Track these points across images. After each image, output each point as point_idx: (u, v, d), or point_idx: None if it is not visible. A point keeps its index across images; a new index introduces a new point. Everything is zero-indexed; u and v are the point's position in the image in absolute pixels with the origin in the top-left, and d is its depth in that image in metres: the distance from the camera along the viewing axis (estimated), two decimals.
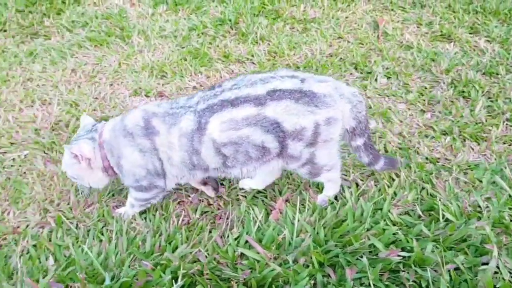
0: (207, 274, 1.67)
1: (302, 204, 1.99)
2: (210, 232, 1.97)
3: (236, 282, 1.61)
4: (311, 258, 1.66)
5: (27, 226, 2.12)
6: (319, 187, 2.17)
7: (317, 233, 1.80)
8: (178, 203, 2.18)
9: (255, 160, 1.86)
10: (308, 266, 1.65)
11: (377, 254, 1.67)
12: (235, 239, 1.86)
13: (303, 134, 1.77)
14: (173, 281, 1.62)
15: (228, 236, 1.94)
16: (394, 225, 1.84)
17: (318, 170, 1.93)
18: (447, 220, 1.82)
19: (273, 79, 1.77)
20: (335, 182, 2.06)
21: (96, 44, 3.42)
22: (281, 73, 1.83)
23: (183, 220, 2.09)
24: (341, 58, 3.17)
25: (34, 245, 2.00)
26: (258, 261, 1.71)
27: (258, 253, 1.75)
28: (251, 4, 3.82)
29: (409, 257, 1.64)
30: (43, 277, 1.77)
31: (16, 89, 2.96)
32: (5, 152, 2.49)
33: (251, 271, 1.64)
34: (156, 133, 1.83)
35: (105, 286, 1.64)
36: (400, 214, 1.92)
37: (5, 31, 3.59)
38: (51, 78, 3.05)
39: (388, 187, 2.10)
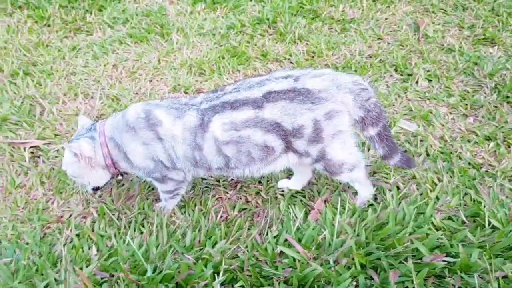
0: (248, 270, 1.68)
1: (342, 206, 1.98)
2: (249, 229, 1.98)
3: (277, 280, 1.61)
4: (353, 259, 1.65)
5: (70, 215, 2.18)
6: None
7: (358, 235, 1.78)
8: (217, 199, 2.20)
9: (258, 161, 1.87)
10: (349, 268, 1.64)
11: (420, 259, 1.64)
12: (274, 237, 1.87)
13: (302, 132, 1.77)
14: (215, 275, 1.63)
15: (267, 234, 1.95)
16: (437, 230, 1.81)
17: (336, 168, 1.89)
18: (493, 227, 1.77)
19: (269, 81, 1.79)
20: (363, 183, 2.01)
21: (137, 40, 3.48)
22: (276, 74, 1.84)
23: (221, 216, 2.11)
24: (381, 60, 3.13)
25: (77, 235, 2.05)
26: (298, 260, 1.70)
27: (297, 252, 1.74)
28: (289, 4, 3.82)
29: (454, 263, 1.61)
30: (87, 266, 1.81)
31: (60, 82, 3.04)
32: (49, 143, 2.56)
33: (292, 270, 1.64)
34: (158, 123, 1.84)
35: (147, 278, 1.67)
36: (443, 219, 1.88)
37: (49, 26, 3.69)
38: (93, 73, 3.13)
39: (431, 191, 2.06)
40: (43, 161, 2.46)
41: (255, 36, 3.47)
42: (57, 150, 2.51)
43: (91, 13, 3.82)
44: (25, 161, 2.41)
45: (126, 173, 2.08)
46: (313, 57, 3.21)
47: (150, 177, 2.01)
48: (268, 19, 3.61)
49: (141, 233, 2.03)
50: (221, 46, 3.39)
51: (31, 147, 2.51)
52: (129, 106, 1.96)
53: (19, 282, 1.76)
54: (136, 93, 2.94)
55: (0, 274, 1.81)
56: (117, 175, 2.05)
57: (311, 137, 1.78)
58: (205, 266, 1.67)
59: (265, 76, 1.84)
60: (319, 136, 1.78)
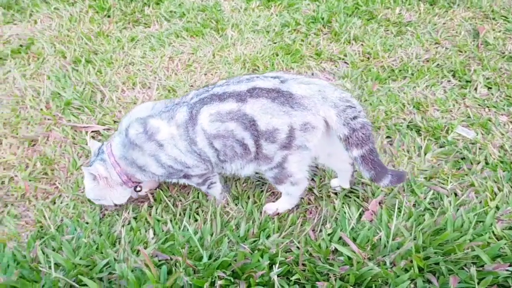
0: (303, 265, 1.69)
1: (398, 208, 1.96)
2: (302, 225, 2.00)
3: (333, 276, 1.61)
4: (411, 262, 1.63)
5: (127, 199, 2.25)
6: (414, 192, 2.12)
7: (415, 238, 1.76)
8: (271, 194, 2.22)
9: (240, 157, 1.89)
10: (406, 270, 1.62)
11: (481, 266, 1.60)
12: (328, 234, 1.87)
13: (276, 136, 1.76)
14: (271, 266, 1.65)
15: (320, 231, 1.96)
16: (498, 239, 1.76)
17: (284, 177, 1.91)
18: None
19: (257, 79, 1.81)
20: (292, 198, 2.06)
21: (192, 34, 3.55)
22: (267, 74, 1.86)
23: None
24: (438, 64, 3.07)
25: (135, 218, 2.12)
26: (352, 259, 1.70)
27: (352, 251, 1.74)
28: (344, 4, 3.80)
29: None
30: (144, 248, 1.87)
31: (119, 71, 3.15)
32: (108, 129, 2.65)
33: (349, 268, 1.64)
34: (156, 131, 1.87)
35: (204, 264, 1.71)
36: (504, 229, 1.83)
37: (109, 16, 3.82)
38: (150, 64, 3.22)
39: (491, 200, 2.01)
40: None
41: (309, 35, 3.47)
42: None
43: (149, 6, 3.92)
44: (86, 144, 2.51)
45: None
46: (368, 58, 3.18)
47: (171, 178, 2.06)
48: (323, 19, 3.61)
49: (196, 220, 2.08)
50: (275, 43, 3.42)
51: (92, 131, 2.61)
52: (124, 122, 1.98)
53: (80, 259, 1.84)
54: (191, 86, 3.00)
55: (63, 250, 1.89)
56: (135, 188, 2.14)
57: (283, 143, 1.78)
58: (261, 257, 1.69)
59: (256, 74, 1.88)
60: (290, 144, 1.78)
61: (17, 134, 2.60)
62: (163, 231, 2.03)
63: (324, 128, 1.76)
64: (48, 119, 2.70)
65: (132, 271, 1.68)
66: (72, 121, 2.69)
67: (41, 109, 2.77)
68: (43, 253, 1.86)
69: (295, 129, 1.74)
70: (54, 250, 1.91)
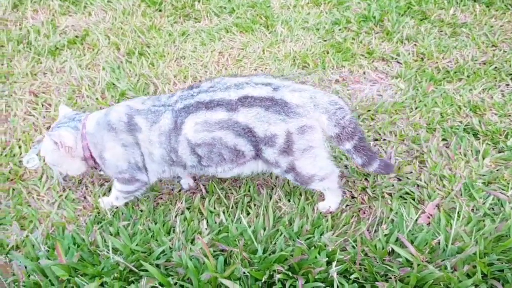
0: (360, 264, 1.67)
1: (458, 212, 1.91)
2: (357, 224, 1.97)
3: (394, 277, 1.59)
4: (474, 267, 1.58)
5: (179, 190, 2.28)
6: (472, 196, 2.06)
7: (476, 243, 1.71)
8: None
9: (229, 162, 1.89)
10: (468, 276, 1.58)
11: None
12: (385, 235, 1.84)
13: (274, 140, 1.77)
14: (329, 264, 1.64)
15: (375, 231, 1.93)
16: None
17: (306, 179, 1.92)
18: None
19: (247, 85, 1.78)
20: (334, 193, 2.05)
21: (242, 30, 3.57)
22: (256, 79, 1.83)
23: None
24: (496, 67, 2.97)
25: (188, 208, 2.15)
26: (410, 261, 1.67)
27: (410, 253, 1.71)
28: (396, 3, 3.73)
29: None
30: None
31: (170, 64, 3.20)
32: None
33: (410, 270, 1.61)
34: (138, 129, 1.87)
35: (259, 257, 1.72)
36: None
37: (160, 11, 3.88)
38: (201, 58, 3.25)
39: None
40: None
41: (360, 33, 3.42)
42: None
43: (199, 1, 3.96)
44: None
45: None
46: (422, 58, 3.11)
47: (118, 176, 2.02)
48: (374, 17, 3.55)
49: (248, 214, 2.09)
50: (325, 41, 3.39)
51: None
52: (112, 107, 2.00)
53: (137, 245, 1.88)
54: None
55: (120, 235, 1.94)
56: (96, 168, 2.10)
57: (282, 148, 1.79)
58: (319, 254, 1.68)
59: (244, 79, 1.83)
60: (290, 149, 1.79)
61: None
62: (215, 222, 2.05)
63: (319, 127, 1.81)
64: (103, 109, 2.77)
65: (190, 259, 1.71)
66: None
67: (97, 99, 2.84)
68: (102, 237, 1.92)
69: (292, 133, 1.76)
70: (111, 235, 1.96)
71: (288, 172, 1.89)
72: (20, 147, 2.50)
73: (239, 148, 1.83)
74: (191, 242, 1.91)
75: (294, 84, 1.84)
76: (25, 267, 1.73)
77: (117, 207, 2.15)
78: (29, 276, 1.68)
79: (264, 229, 1.97)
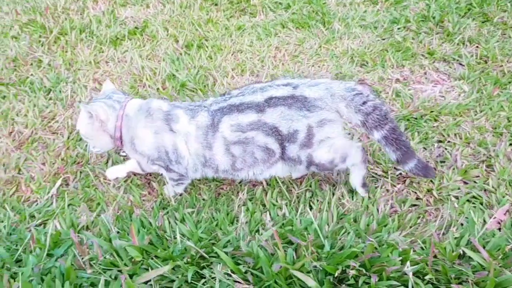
0: (432, 266, 1.64)
1: None
2: (425, 225, 1.94)
3: (470, 281, 1.55)
4: None
5: (240, 181, 2.30)
6: None
7: None
8: (386, 190, 2.19)
9: (261, 162, 1.98)
10: None
11: None
12: (455, 238, 1.80)
13: (296, 136, 1.88)
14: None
15: (443, 234, 1.89)
16: None
17: (328, 166, 1.98)
18: None
19: (270, 88, 1.91)
20: (359, 165, 2.02)
21: (298, 26, 3.56)
22: (277, 82, 1.95)
23: (391, 207, 2.09)
24: None
25: (250, 199, 2.17)
26: (484, 266, 1.63)
27: (483, 258, 1.67)
28: (456, 4, 3.64)
29: None
30: (262, 229, 1.91)
31: (228, 58, 3.23)
32: None
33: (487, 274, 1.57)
34: (176, 120, 1.96)
35: (327, 252, 1.71)
36: None
37: (216, 4, 3.92)
38: (258, 53, 3.27)
39: None
40: None
41: (419, 33, 3.36)
42: None
43: None
44: None
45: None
46: (486, 61, 3.03)
47: (154, 164, 2.08)
48: (434, 18, 3.48)
49: (311, 209, 2.09)
50: (383, 39, 3.34)
51: None
52: (153, 100, 2.07)
53: (202, 232, 1.91)
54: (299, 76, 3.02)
55: (186, 222, 1.98)
56: (121, 150, 2.15)
57: (303, 142, 1.89)
58: (391, 253, 1.66)
59: (268, 83, 1.95)
60: (310, 142, 1.89)
61: None
62: (278, 215, 2.06)
63: (340, 118, 1.90)
64: (165, 99, 2.82)
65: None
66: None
67: (158, 89, 2.90)
68: (169, 222, 1.96)
69: (313, 127, 1.86)
70: (177, 221, 2.00)
71: (308, 166, 1.98)
72: None
73: (270, 147, 1.94)
74: (255, 233, 1.93)
75: (310, 80, 1.94)
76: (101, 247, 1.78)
77: (181, 194, 2.20)
78: (105, 256, 1.73)
79: (328, 225, 1.96)
